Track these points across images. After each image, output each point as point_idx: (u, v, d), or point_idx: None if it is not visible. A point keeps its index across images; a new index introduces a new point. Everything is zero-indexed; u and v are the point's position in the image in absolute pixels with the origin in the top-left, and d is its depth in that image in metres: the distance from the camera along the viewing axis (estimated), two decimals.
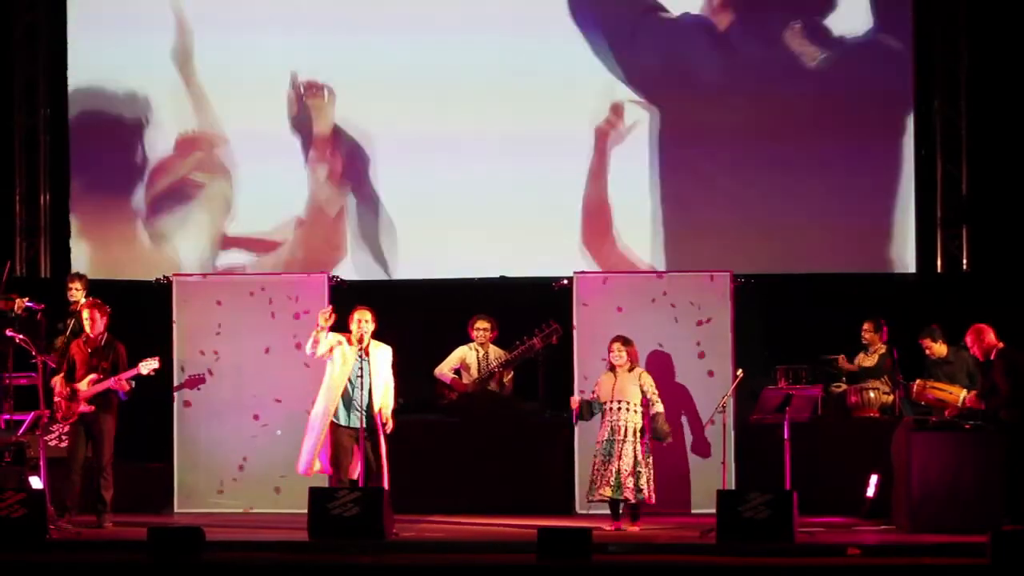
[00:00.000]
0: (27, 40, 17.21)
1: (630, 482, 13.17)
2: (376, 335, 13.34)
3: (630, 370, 13.42)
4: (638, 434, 13.27)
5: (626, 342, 13.45)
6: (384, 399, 13.22)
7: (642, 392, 13.35)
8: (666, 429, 13.39)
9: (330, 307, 13.42)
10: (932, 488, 13.16)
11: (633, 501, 13.27)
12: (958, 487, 13.11)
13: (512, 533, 13.25)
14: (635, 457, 13.22)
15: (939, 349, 14.54)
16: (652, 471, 13.29)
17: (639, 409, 13.32)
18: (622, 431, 13.24)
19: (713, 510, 12.61)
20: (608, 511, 13.46)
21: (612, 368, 13.46)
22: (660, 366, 14.36)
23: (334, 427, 13.22)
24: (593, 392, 13.56)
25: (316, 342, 13.19)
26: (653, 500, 13.32)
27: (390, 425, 13.19)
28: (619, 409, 13.29)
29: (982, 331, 13.53)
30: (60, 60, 17.08)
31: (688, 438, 14.44)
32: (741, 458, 14.23)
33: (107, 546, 12.68)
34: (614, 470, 13.19)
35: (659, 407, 13.38)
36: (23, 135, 17.23)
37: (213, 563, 11.75)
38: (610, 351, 13.46)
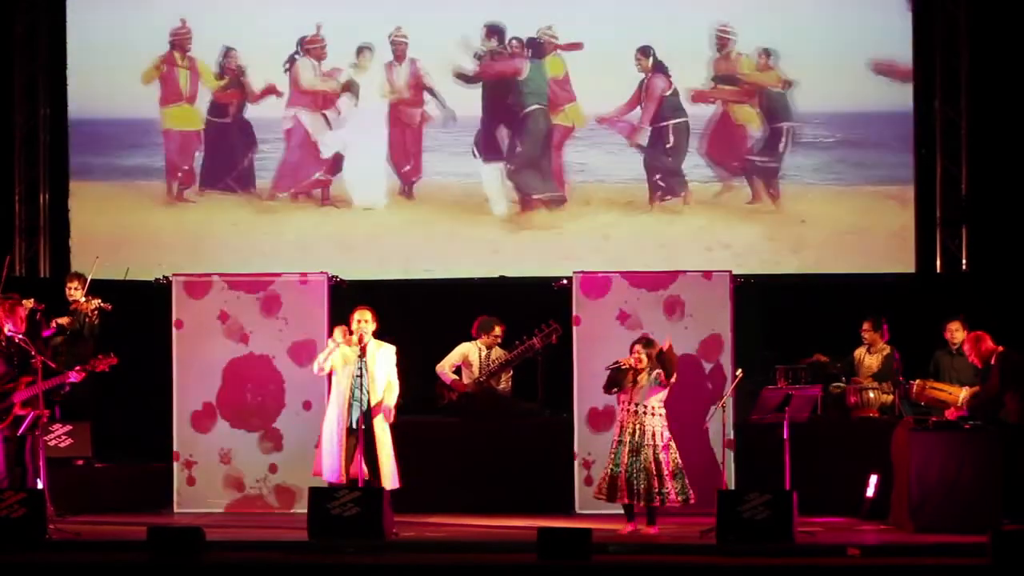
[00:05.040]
0: (27, 40, 17.21)
1: (656, 485, 13.03)
2: (377, 335, 13.37)
3: (651, 372, 13.21)
4: (659, 438, 13.15)
5: (648, 343, 13.26)
6: (386, 394, 13.26)
7: (654, 382, 13.19)
8: (672, 361, 13.19)
9: (343, 327, 13.43)
10: (932, 488, 13.16)
11: (658, 505, 13.09)
12: (958, 487, 13.11)
13: (512, 533, 13.24)
14: (654, 463, 13.09)
15: (961, 336, 14.43)
16: (683, 472, 13.14)
17: (660, 411, 13.20)
18: (642, 435, 13.11)
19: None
20: (615, 512, 13.37)
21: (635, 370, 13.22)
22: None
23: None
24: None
25: (325, 359, 13.32)
26: (693, 500, 13.12)
27: (391, 415, 13.22)
28: (643, 413, 13.19)
29: (980, 338, 13.57)
30: (60, 60, 17.08)
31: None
32: (741, 458, 14.24)
33: (107, 546, 12.66)
34: (638, 475, 13.04)
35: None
36: (23, 135, 17.22)
37: (213, 563, 11.75)
38: (632, 353, 13.23)
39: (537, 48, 16.68)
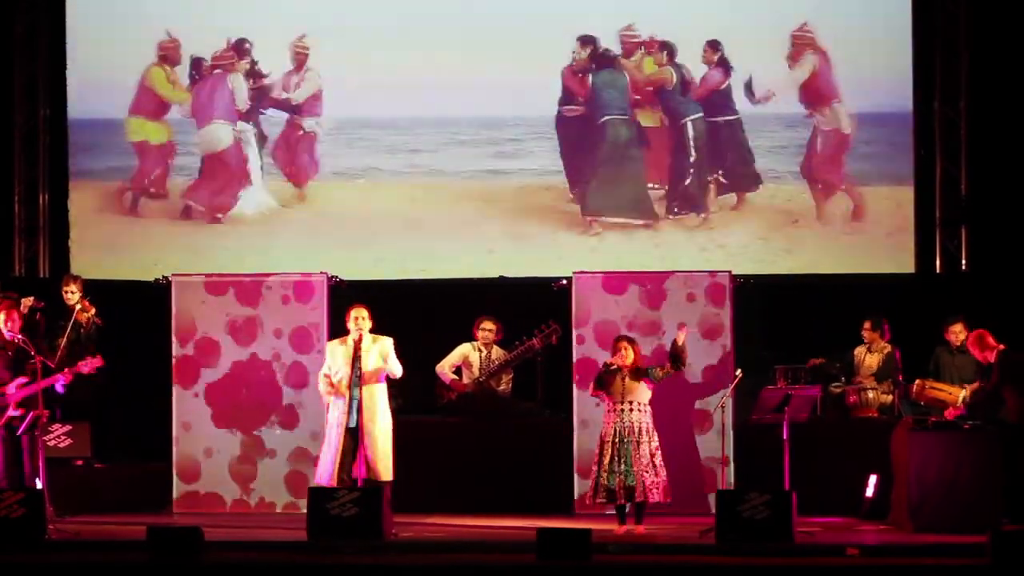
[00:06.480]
0: (27, 40, 17.21)
1: (642, 484, 13.08)
2: (374, 333, 13.38)
3: (636, 369, 13.21)
4: (649, 433, 13.21)
5: (631, 341, 13.36)
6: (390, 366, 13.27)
7: (649, 376, 13.25)
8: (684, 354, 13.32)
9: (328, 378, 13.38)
10: (931, 488, 13.17)
11: (644, 501, 13.13)
12: (957, 487, 13.12)
13: (512, 533, 13.24)
14: (647, 458, 13.11)
15: (964, 337, 14.43)
16: (664, 470, 13.20)
17: (647, 408, 13.25)
18: (631, 432, 13.14)
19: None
20: (613, 513, 13.37)
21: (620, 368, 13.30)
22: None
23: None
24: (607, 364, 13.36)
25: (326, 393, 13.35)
26: (669, 499, 13.24)
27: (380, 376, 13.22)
28: (629, 410, 13.21)
29: (984, 336, 13.58)
30: (60, 60, 17.08)
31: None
32: (741, 458, 14.24)
33: (107, 546, 12.66)
34: (624, 473, 13.11)
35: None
36: (23, 135, 17.23)
37: (212, 563, 11.76)
38: (616, 351, 13.33)
39: (603, 59, 16.58)
